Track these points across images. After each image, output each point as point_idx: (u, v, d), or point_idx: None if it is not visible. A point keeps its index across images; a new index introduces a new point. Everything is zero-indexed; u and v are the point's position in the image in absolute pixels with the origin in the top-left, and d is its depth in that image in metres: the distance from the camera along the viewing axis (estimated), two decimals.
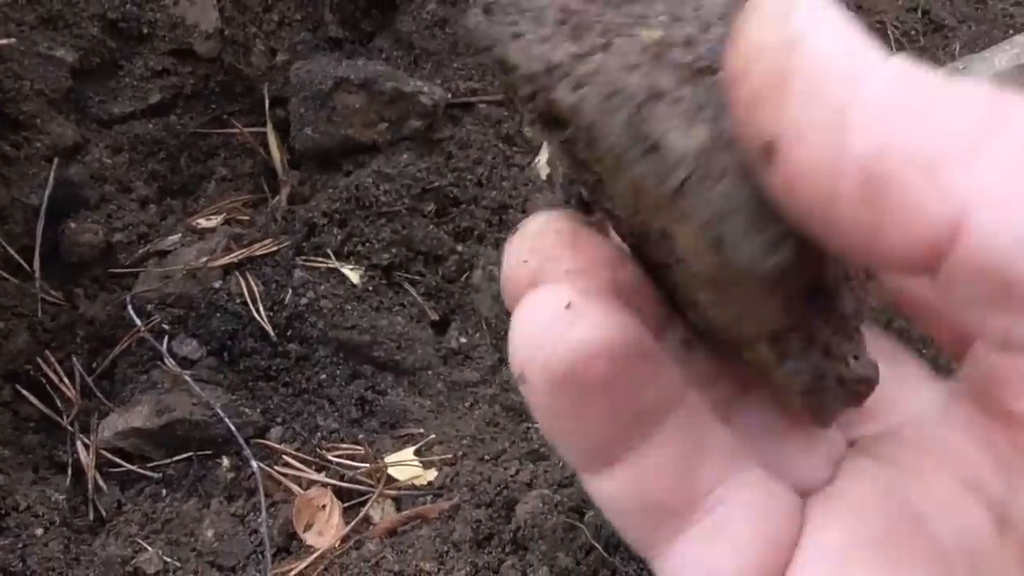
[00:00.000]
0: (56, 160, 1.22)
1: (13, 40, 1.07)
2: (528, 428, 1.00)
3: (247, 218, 1.30)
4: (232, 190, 1.38)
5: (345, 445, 1.00)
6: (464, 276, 1.22)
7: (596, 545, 0.78)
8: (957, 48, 1.31)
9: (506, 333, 1.02)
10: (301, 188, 1.33)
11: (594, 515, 0.81)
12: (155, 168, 1.34)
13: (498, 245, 1.25)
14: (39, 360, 1.09)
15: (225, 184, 1.39)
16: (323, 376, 1.12)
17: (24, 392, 1.07)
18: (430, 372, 1.14)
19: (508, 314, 1.02)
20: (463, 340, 1.17)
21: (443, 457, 0.98)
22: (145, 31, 1.30)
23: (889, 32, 1.36)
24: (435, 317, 1.19)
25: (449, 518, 0.89)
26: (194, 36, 1.32)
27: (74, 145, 1.25)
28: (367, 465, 0.96)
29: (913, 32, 1.36)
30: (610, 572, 0.78)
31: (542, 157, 1.34)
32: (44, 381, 1.09)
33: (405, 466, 0.97)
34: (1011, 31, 1.29)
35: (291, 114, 1.30)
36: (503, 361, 1.17)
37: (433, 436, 1.02)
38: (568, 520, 0.81)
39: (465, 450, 1.00)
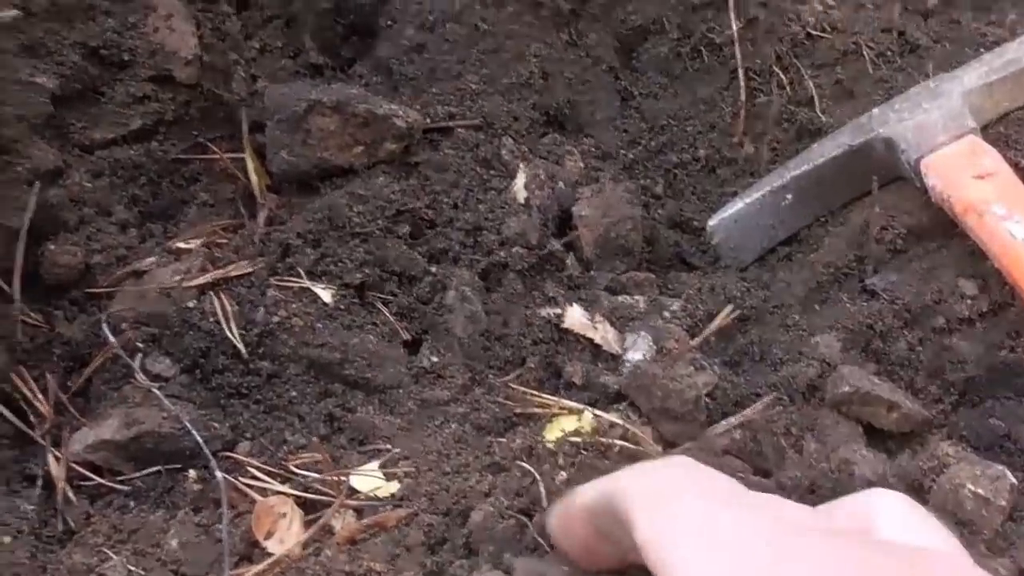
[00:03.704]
0: (37, 184, 1.30)
1: None
2: (491, 442, 1.07)
3: (225, 241, 1.38)
4: (213, 215, 1.47)
5: (308, 455, 1.07)
6: (437, 297, 1.29)
7: (541, 542, 0.85)
8: (931, 67, 1.39)
9: (479, 352, 1.12)
10: (279, 211, 1.42)
11: (540, 515, 0.88)
12: (136, 193, 1.42)
13: (472, 266, 1.32)
14: (14, 377, 1.17)
15: (206, 209, 1.47)
16: (293, 393, 1.19)
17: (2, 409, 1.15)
18: (400, 390, 1.21)
19: (481, 334, 1.11)
20: (435, 359, 1.24)
21: (406, 470, 1.05)
22: (126, 58, 1.39)
23: (864, 53, 1.44)
24: (407, 337, 1.26)
25: (405, 525, 0.95)
26: (174, 62, 1.41)
27: (55, 169, 1.33)
28: (331, 477, 1.03)
29: (888, 52, 1.43)
30: None
31: (519, 181, 1.42)
32: (19, 398, 1.16)
33: (368, 477, 1.03)
34: (981, 49, 1.36)
35: (268, 138, 1.39)
36: (475, 380, 1.24)
37: (399, 451, 1.09)
38: (518, 521, 0.88)
39: (430, 464, 1.06)
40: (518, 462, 1.00)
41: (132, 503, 1.08)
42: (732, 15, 1.52)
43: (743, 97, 1.54)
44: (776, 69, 1.51)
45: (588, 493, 0.70)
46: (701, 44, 1.55)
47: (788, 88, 1.50)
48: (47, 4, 1.31)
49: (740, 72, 1.53)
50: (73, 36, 1.35)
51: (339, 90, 1.37)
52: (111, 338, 1.19)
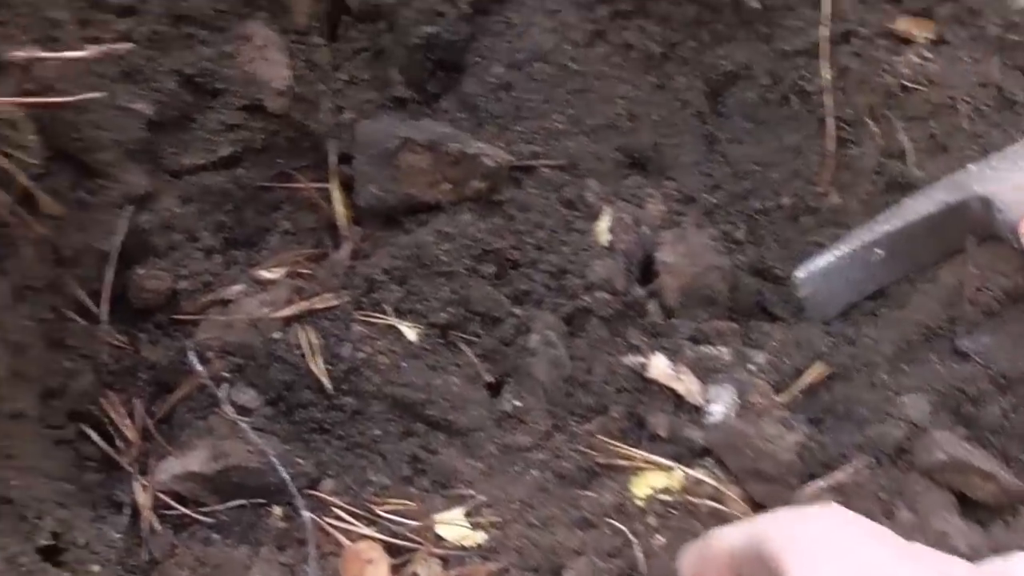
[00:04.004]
0: (129, 208, 1.32)
1: (104, 95, 1.18)
2: (579, 496, 1.06)
3: (309, 272, 1.40)
4: (295, 243, 1.48)
5: (395, 500, 1.07)
6: (520, 339, 1.29)
7: None
8: None
9: (561, 398, 1.11)
10: (363, 244, 1.43)
11: None
12: (221, 219, 1.44)
13: (556, 310, 1.32)
14: (103, 401, 1.19)
15: (287, 237, 1.49)
16: (376, 431, 1.19)
17: (88, 431, 1.17)
18: (482, 434, 1.21)
19: (564, 380, 1.11)
20: (517, 403, 1.24)
21: (492, 520, 1.05)
22: (219, 86, 1.41)
23: (960, 107, 1.42)
24: (489, 379, 1.26)
25: None
26: (265, 92, 1.43)
27: (146, 194, 1.35)
28: (416, 522, 1.03)
29: (985, 108, 1.41)
30: None
31: (603, 223, 1.41)
32: (107, 421, 1.18)
33: (454, 526, 1.03)
34: None
35: (356, 172, 1.40)
36: (556, 427, 1.24)
37: (484, 498, 1.09)
38: None
39: (514, 514, 1.06)
40: (607, 519, 1.00)
41: (216, 536, 1.09)
42: (824, 63, 1.51)
43: (831, 147, 1.52)
44: (868, 120, 1.50)
45: (731, 537, 0.67)
46: (791, 91, 1.54)
47: (880, 140, 1.48)
48: (148, 32, 1.34)
49: (830, 121, 1.52)
50: (170, 64, 1.37)
51: (430, 127, 1.38)
52: (198, 367, 1.21)
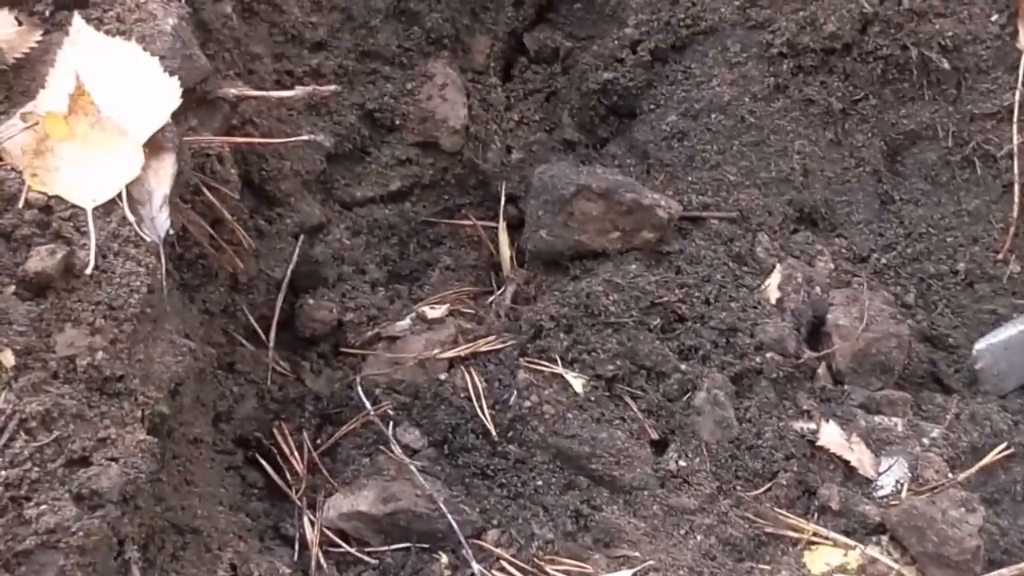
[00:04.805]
0: (302, 237, 1.35)
1: (310, 137, 1.20)
2: (752, 568, 1.04)
3: (471, 311, 1.40)
4: (455, 280, 1.49)
5: (566, 560, 1.06)
6: (686, 396, 1.27)
7: None
8: None
9: (727, 461, 1.09)
10: (525, 287, 1.43)
11: None
12: (387, 252, 1.46)
13: (723, 368, 1.29)
14: (273, 430, 1.21)
15: (448, 273, 1.50)
16: (539, 482, 1.18)
17: (255, 458, 1.19)
18: (646, 493, 1.19)
19: (730, 441, 1.09)
20: (682, 463, 1.21)
21: None
22: (397, 122, 1.43)
23: None
24: (654, 436, 1.24)
25: None
26: (441, 130, 1.45)
27: (319, 224, 1.38)
28: None
29: None
30: None
31: (773, 280, 1.38)
32: (276, 452, 1.20)
33: None
34: None
35: (527, 215, 1.40)
36: (722, 490, 1.21)
37: (651, 562, 1.07)
38: None
39: None
40: None
41: None
42: (1015, 128, 1.45)
43: (1015, 213, 1.46)
44: None
45: None
46: (975, 154, 1.49)
47: None
48: (335, 67, 1.37)
49: (1016, 187, 1.46)
50: (353, 98, 1.40)
51: (605, 176, 1.37)
52: (367, 404, 1.22)
